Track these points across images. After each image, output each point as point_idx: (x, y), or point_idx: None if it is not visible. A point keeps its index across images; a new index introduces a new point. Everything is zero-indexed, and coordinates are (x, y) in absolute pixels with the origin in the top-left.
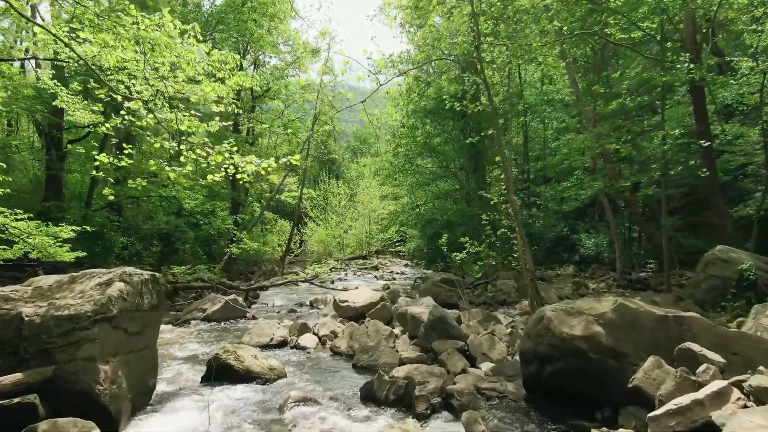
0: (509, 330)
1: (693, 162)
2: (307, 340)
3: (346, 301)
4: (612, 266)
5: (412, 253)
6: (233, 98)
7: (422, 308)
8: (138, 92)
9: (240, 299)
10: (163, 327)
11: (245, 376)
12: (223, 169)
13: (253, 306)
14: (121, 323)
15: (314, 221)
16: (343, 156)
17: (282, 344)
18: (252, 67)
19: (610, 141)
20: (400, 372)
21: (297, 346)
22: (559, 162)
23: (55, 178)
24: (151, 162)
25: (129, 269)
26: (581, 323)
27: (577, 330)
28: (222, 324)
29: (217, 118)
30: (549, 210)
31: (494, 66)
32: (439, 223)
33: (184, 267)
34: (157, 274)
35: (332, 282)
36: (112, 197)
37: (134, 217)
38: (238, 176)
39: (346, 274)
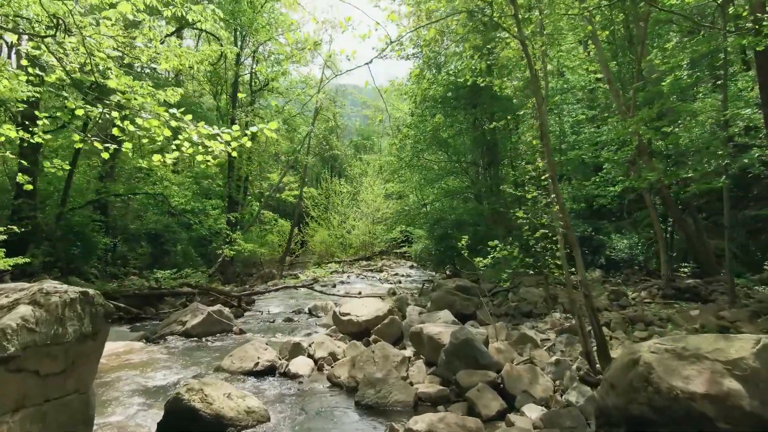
0: (553, 357)
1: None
2: (300, 364)
3: (348, 314)
4: (648, 271)
5: (419, 254)
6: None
7: (440, 327)
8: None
9: (226, 310)
10: (132, 345)
11: (214, 423)
12: (175, 148)
13: (246, 313)
14: (28, 364)
15: (316, 221)
16: (346, 152)
17: (269, 371)
18: (250, 60)
19: (662, 125)
20: (420, 425)
21: (287, 374)
22: (576, 156)
23: (27, 173)
24: (76, 137)
25: (49, 285)
26: (704, 374)
27: (698, 385)
28: (203, 340)
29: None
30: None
31: (530, 25)
32: (448, 222)
33: (168, 271)
34: (91, 291)
35: (333, 285)
36: (92, 195)
37: (122, 216)
38: (199, 158)
39: (348, 276)
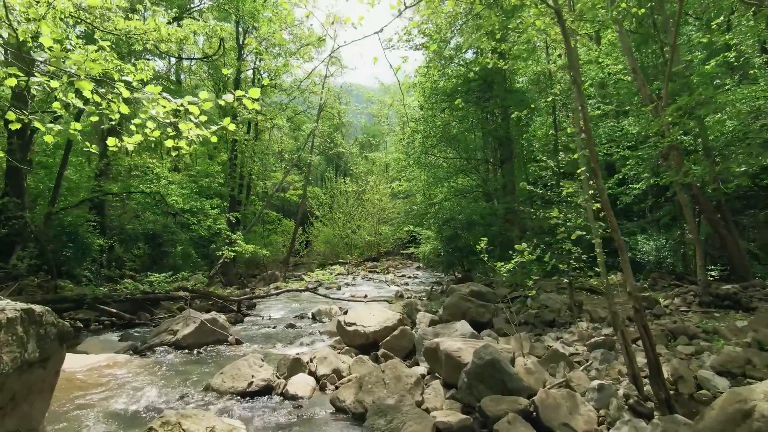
0: (594, 381)
1: None
2: (300, 384)
3: (354, 324)
4: (678, 275)
5: (427, 256)
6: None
7: (459, 341)
8: None
9: (221, 318)
10: (116, 357)
11: None
12: (137, 130)
13: (246, 318)
14: None
15: (320, 221)
16: (351, 150)
17: (265, 391)
18: (253, 56)
19: (705, 112)
20: None
21: (285, 395)
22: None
23: (15, 171)
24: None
25: None
26: None
27: None
28: (195, 352)
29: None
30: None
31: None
32: (458, 223)
33: (163, 275)
34: (38, 309)
35: (338, 288)
36: (85, 194)
37: (119, 216)
38: (168, 143)
39: (354, 278)
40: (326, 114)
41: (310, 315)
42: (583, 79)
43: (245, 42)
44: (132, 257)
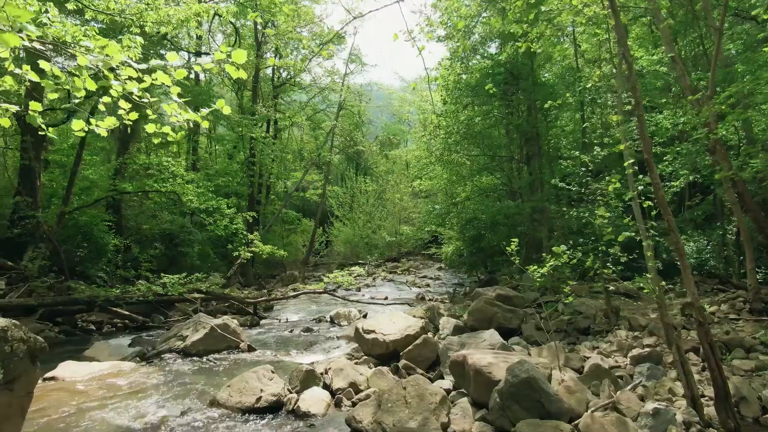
0: (648, 403)
1: None
2: (313, 399)
3: (373, 331)
4: (722, 279)
5: (450, 257)
6: None
7: (489, 354)
8: None
9: (233, 323)
10: (121, 365)
11: None
12: (108, 109)
13: (263, 321)
14: None
15: (340, 220)
16: (371, 147)
17: (274, 407)
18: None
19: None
20: None
21: (296, 412)
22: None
23: (29, 169)
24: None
25: None
26: None
27: None
28: (204, 360)
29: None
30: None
31: None
32: (482, 223)
33: (177, 276)
34: (3, 322)
35: (358, 289)
36: (99, 193)
37: (137, 216)
38: (149, 128)
39: (374, 279)
40: (346, 112)
41: (328, 318)
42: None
43: (263, 38)
44: (148, 258)
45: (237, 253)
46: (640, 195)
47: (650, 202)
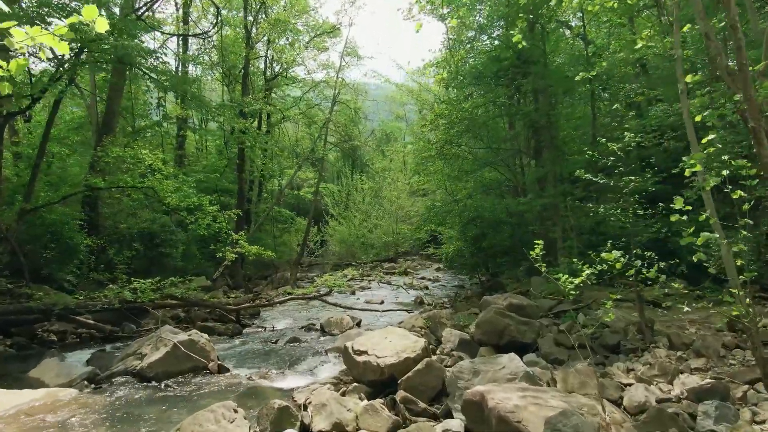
0: None
1: None
2: None
3: (365, 352)
4: (762, 285)
5: (450, 257)
6: None
7: (514, 393)
8: None
9: (202, 339)
10: (57, 393)
11: None
12: None
13: (247, 329)
14: None
15: (336, 219)
16: (367, 143)
17: None
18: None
19: None
20: None
21: None
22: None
23: None
24: None
25: None
26: None
27: None
28: (162, 385)
29: None
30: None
31: None
32: (485, 221)
33: (149, 280)
34: None
35: (353, 292)
36: (67, 189)
37: (115, 214)
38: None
39: (369, 281)
40: (342, 106)
41: (318, 326)
42: (628, 58)
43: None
44: (125, 259)
45: (220, 254)
46: (725, 181)
47: (741, 191)
